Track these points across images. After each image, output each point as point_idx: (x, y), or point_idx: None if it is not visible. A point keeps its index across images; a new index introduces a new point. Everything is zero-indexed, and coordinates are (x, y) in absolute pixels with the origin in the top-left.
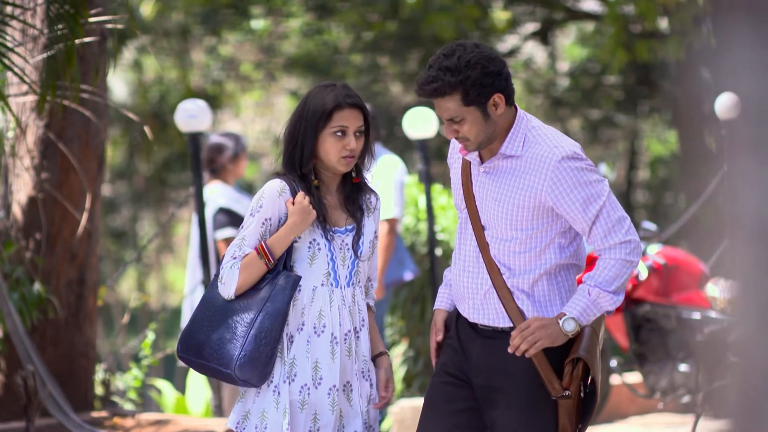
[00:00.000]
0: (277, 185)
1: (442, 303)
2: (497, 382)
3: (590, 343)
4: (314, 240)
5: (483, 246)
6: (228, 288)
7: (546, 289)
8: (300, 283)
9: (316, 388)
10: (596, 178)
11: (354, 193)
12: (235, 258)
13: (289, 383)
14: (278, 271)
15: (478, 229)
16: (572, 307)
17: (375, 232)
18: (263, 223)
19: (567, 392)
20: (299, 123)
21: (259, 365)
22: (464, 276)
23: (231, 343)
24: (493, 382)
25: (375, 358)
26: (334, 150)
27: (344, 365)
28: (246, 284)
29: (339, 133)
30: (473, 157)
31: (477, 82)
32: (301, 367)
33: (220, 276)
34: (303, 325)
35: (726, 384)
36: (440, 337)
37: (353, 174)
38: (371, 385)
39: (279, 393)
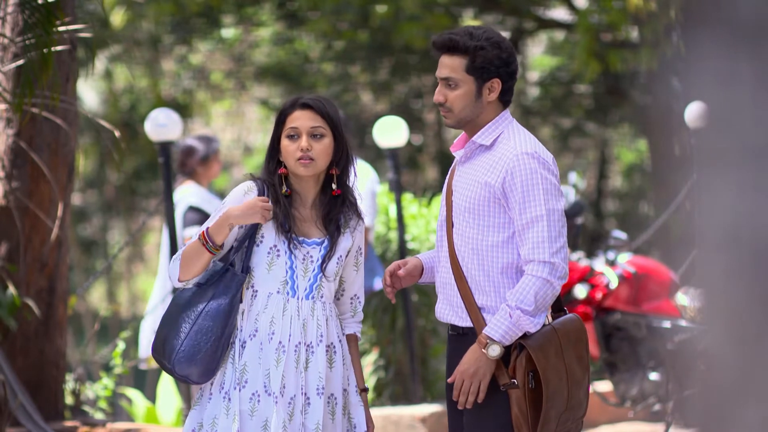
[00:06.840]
0: (244, 185)
1: (421, 255)
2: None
3: (544, 338)
4: (275, 246)
5: (450, 239)
6: (173, 272)
7: (508, 287)
8: (256, 288)
9: (268, 396)
10: (547, 188)
11: (333, 209)
12: None
13: (240, 390)
14: (227, 269)
15: (449, 222)
16: (494, 330)
17: (349, 249)
18: None
19: (513, 381)
20: (273, 131)
21: (198, 362)
22: (438, 271)
23: (175, 339)
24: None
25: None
26: (288, 152)
27: (290, 377)
28: (188, 269)
29: (293, 136)
30: (458, 153)
31: (488, 57)
32: (253, 373)
33: None
34: (256, 331)
35: (696, 392)
36: (396, 269)
37: (333, 186)
38: (337, 403)
39: (230, 399)
